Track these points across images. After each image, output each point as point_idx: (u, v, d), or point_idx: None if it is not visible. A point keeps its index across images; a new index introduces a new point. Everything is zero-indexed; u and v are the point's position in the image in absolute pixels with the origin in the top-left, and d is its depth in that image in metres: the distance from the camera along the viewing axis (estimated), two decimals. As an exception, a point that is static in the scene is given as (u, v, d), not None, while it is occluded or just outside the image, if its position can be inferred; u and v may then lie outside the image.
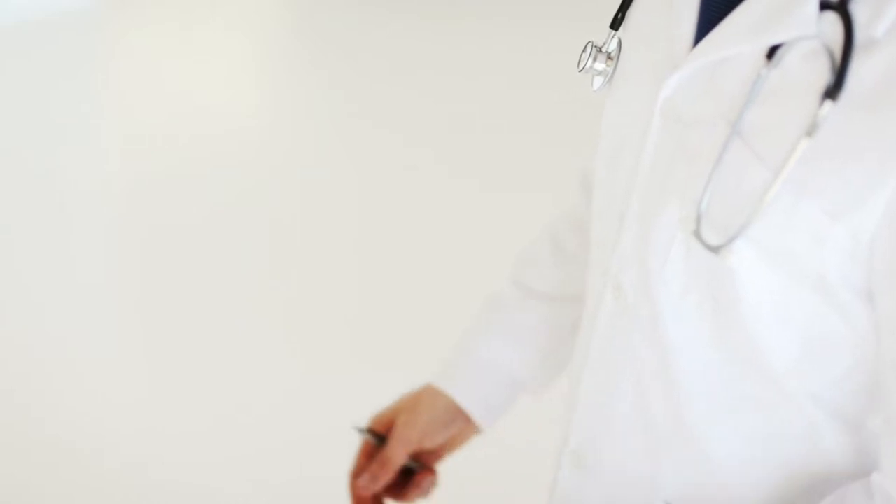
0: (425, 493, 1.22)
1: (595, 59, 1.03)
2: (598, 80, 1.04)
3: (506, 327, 1.23)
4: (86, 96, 4.07)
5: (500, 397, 1.23)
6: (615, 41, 1.03)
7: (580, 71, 1.04)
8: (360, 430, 1.20)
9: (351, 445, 2.46)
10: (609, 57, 1.03)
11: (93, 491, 2.43)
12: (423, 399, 1.22)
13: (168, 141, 3.75)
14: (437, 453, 1.24)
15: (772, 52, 0.86)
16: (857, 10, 0.82)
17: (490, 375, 1.22)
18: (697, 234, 0.88)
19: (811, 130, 0.82)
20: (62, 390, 2.69)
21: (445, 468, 1.24)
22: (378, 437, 1.20)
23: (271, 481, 2.46)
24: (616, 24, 1.03)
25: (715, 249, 0.87)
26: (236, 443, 2.53)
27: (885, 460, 0.86)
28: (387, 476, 1.19)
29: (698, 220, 0.88)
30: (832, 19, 0.83)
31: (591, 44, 1.03)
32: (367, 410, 1.24)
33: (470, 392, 1.22)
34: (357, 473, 1.22)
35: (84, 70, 4.31)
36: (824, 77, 0.83)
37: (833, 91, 0.81)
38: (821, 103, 0.82)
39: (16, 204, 3.40)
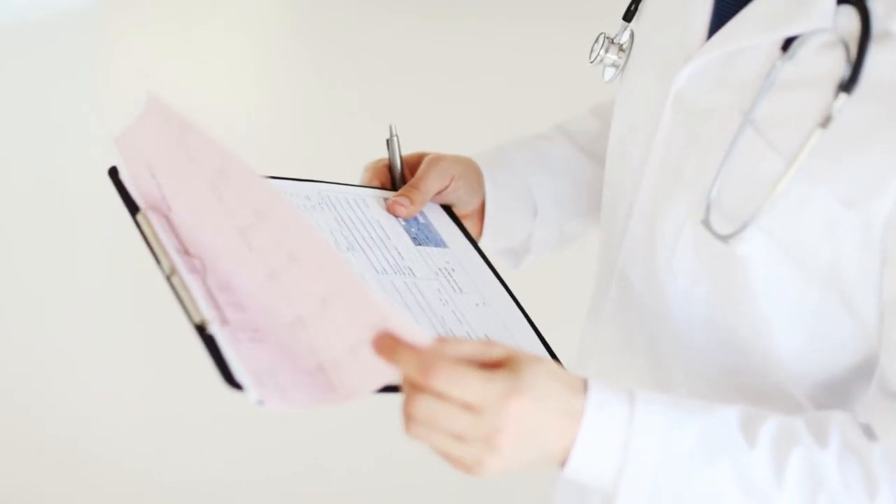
0: None
1: (607, 51, 1.04)
2: (610, 72, 1.05)
3: (541, 156, 1.19)
4: (86, 96, 4.07)
5: (516, 212, 1.16)
6: (628, 33, 1.04)
7: (592, 62, 1.04)
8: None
9: (353, 441, 2.42)
10: (621, 48, 1.04)
11: (93, 491, 2.43)
12: (465, 160, 1.14)
13: (168, 141, 3.75)
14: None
15: (786, 43, 0.87)
16: (874, 4, 0.83)
17: (518, 185, 1.16)
18: (707, 223, 0.89)
19: (825, 122, 0.83)
20: (62, 390, 2.68)
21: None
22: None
23: (273, 480, 2.46)
24: (629, 15, 1.04)
25: (725, 238, 0.88)
26: (237, 442, 2.53)
27: (883, 431, 0.85)
28: (421, 204, 1.07)
29: (708, 208, 0.88)
30: (848, 12, 0.84)
31: (603, 35, 1.04)
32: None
33: (497, 187, 1.14)
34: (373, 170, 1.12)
35: (84, 70, 4.30)
36: (839, 69, 0.84)
37: (848, 84, 0.82)
38: (836, 95, 0.83)
39: (16, 204, 3.40)
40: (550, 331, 0.98)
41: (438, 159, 1.09)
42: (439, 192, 1.08)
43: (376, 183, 1.09)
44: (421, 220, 1.06)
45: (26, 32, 4.39)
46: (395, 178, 1.10)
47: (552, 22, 4.53)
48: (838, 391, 0.95)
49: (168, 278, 0.84)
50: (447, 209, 1.10)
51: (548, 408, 0.78)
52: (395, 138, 1.09)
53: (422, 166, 1.09)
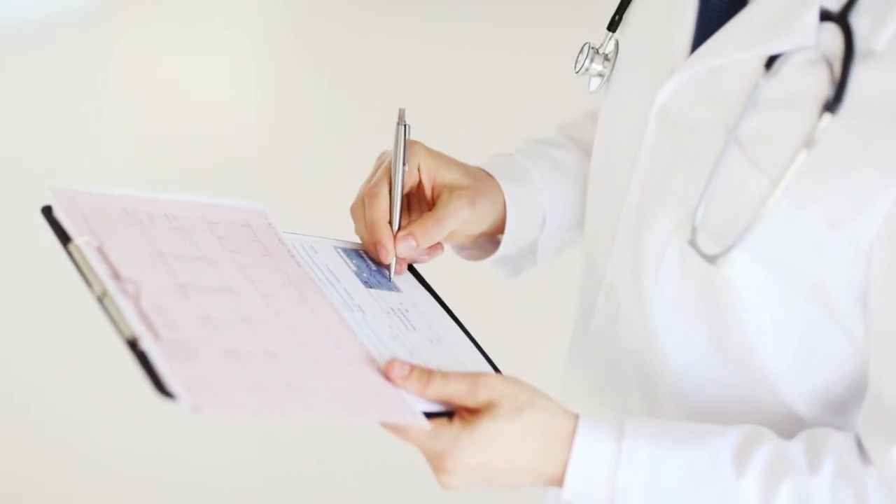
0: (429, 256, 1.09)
1: (592, 61, 1.03)
2: (595, 82, 1.04)
3: (552, 164, 1.15)
4: (86, 96, 4.07)
5: (528, 226, 1.12)
6: (612, 43, 1.03)
7: (577, 72, 1.04)
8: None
9: (350, 441, 2.42)
10: (606, 58, 1.03)
11: (93, 491, 2.44)
12: (486, 182, 1.09)
13: (168, 141, 3.75)
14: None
15: (770, 60, 0.86)
16: (858, 22, 0.82)
17: (532, 197, 1.12)
18: (693, 242, 0.88)
19: (810, 142, 0.83)
20: (62, 390, 2.69)
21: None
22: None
23: (273, 479, 2.46)
24: (613, 26, 1.03)
25: (711, 259, 0.87)
26: (238, 442, 2.53)
27: (876, 456, 0.86)
28: (423, 246, 1.03)
29: (694, 228, 0.88)
30: (832, 30, 0.83)
31: (588, 45, 1.04)
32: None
33: (517, 204, 1.10)
34: (372, 194, 1.03)
35: (84, 70, 4.30)
36: (823, 88, 0.83)
37: (832, 104, 0.82)
38: (820, 115, 0.82)
39: (16, 204, 3.40)
40: (539, 345, 0.99)
41: (462, 204, 1.03)
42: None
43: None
44: (373, 266, 1.03)
45: (26, 32, 4.39)
46: (394, 209, 1.03)
47: (553, 22, 4.52)
48: (834, 406, 0.94)
49: (100, 300, 0.84)
50: None
51: (515, 462, 0.86)
52: (402, 168, 1.03)
53: (443, 207, 1.03)
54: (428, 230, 1.02)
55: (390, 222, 1.03)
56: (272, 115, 4.12)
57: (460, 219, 1.04)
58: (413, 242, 1.02)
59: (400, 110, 1.04)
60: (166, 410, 2.52)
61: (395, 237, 1.02)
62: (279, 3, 5.23)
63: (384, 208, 1.02)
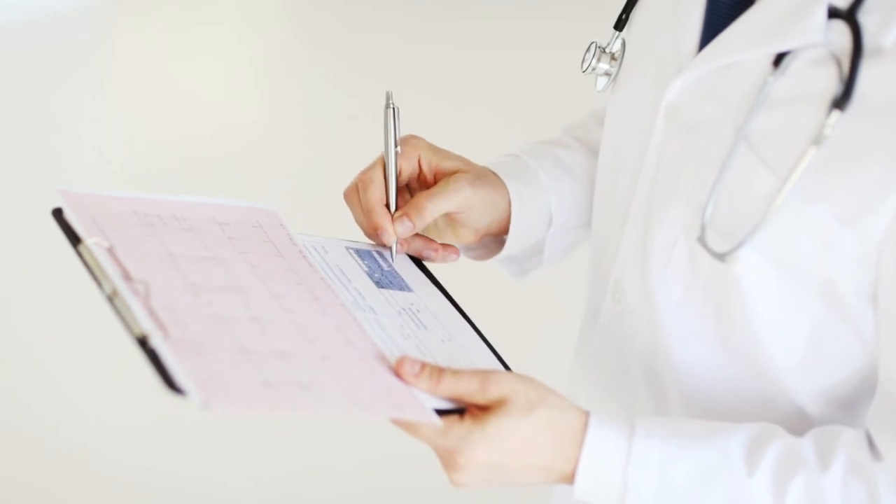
0: (442, 258, 1.09)
1: (599, 60, 1.03)
2: (602, 81, 1.04)
3: (559, 164, 1.14)
4: (86, 97, 4.08)
5: (535, 226, 1.12)
6: (619, 42, 1.03)
7: (584, 71, 1.04)
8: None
9: (358, 440, 2.41)
10: (613, 58, 1.03)
11: (93, 490, 2.44)
12: (490, 176, 1.09)
13: (168, 141, 3.75)
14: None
15: (778, 58, 0.87)
16: (866, 19, 0.83)
17: (538, 197, 1.12)
18: (702, 240, 0.88)
19: (818, 140, 0.83)
20: (62, 390, 2.69)
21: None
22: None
23: (273, 479, 2.46)
24: (620, 24, 1.04)
25: (720, 256, 0.87)
26: (238, 440, 2.53)
27: (886, 452, 0.86)
28: (420, 226, 1.03)
29: (703, 226, 0.88)
30: (840, 27, 0.83)
31: (594, 44, 1.04)
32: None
33: (523, 203, 1.09)
34: (367, 180, 1.04)
35: (84, 70, 4.31)
36: (831, 85, 0.83)
37: (841, 101, 0.82)
38: (828, 112, 0.82)
39: (16, 204, 3.40)
40: (546, 343, 0.98)
41: (460, 185, 1.03)
42: (448, 215, 1.04)
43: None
44: (385, 266, 1.04)
45: (26, 32, 4.39)
46: (390, 192, 1.03)
47: (559, 21, 4.52)
48: (843, 403, 0.95)
49: (110, 299, 0.85)
50: (412, 257, 1.07)
51: (526, 459, 0.86)
52: (393, 151, 1.03)
53: (441, 186, 1.04)
54: (419, 207, 1.02)
55: (388, 206, 1.03)
56: (272, 114, 4.12)
57: (459, 198, 1.03)
58: (409, 223, 1.02)
59: (387, 93, 1.05)
60: (169, 410, 2.52)
61: (392, 219, 1.02)
62: (279, 3, 5.23)
63: (379, 192, 1.03)
